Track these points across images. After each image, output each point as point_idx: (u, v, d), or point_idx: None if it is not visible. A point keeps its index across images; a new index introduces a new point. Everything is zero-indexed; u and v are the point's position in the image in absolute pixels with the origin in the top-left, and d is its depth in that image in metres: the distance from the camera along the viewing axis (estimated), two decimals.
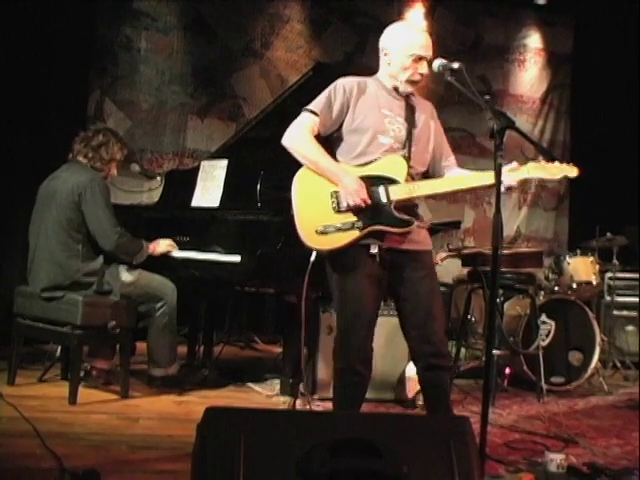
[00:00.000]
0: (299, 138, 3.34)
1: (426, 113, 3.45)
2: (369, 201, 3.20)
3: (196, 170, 5.09)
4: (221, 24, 7.37)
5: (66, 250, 4.37)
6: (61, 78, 6.18)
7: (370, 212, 3.21)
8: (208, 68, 7.36)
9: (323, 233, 3.22)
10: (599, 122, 8.01)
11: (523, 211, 8.49)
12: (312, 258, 3.27)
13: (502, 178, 3.09)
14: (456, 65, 3.16)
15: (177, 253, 4.74)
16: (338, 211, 3.24)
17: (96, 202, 4.39)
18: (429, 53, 3.31)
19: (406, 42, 3.32)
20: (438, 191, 3.33)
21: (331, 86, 3.37)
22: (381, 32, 3.43)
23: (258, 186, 4.59)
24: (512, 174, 3.19)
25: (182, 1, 7.27)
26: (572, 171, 3.23)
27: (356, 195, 3.18)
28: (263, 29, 7.55)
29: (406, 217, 3.23)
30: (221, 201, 4.79)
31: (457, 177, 3.40)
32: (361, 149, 3.31)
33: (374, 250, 3.22)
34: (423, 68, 3.29)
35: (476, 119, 7.77)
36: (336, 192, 3.25)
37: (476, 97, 3.07)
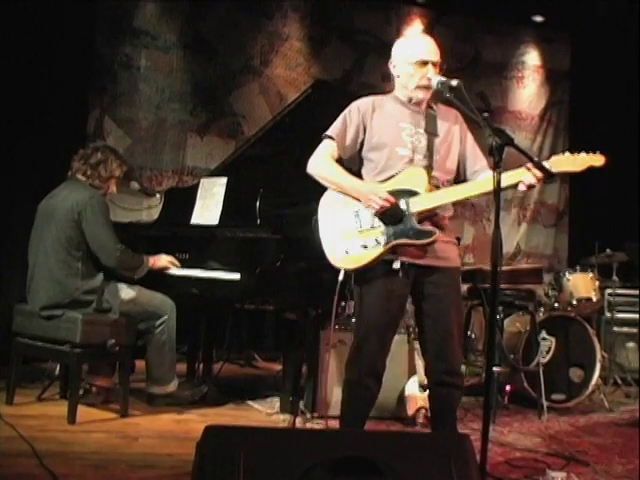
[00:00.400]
0: (319, 163, 3.41)
1: (449, 121, 3.44)
2: (392, 199, 3.21)
3: (195, 188, 5.10)
4: (220, 42, 7.40)
5: (65, 268, 4.37)
6: (61, 96, 6.20)
7: (392, 227, 3.23)
8: (207, 86, 7.39)
9: (348, 252, 3.28)
10: (597, 138, 8.01)
11: (522, 227, 8.50)
12: (340, 277, 3.32)
13: (522, 177, 3.12)
14: (455, 82, 3.18)
15: (176, 271, 4.74)
16: (361, 230, 3.28)
17: (97, 220, 4.39)
18: (432, 57, 3.32)
19: (408, 50, 3.37)
20: (459, 197, 3.28)
21: (347, 109, 3.43)
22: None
23: (257, 203, 4.60)
24: (536, 171, 3.11)
25: (181, 19, 7.31)
26: (598, 160, 3.10)
27: (376, 197, 3.22)
28: (262, 47, 7.59)
29: (428, 228, 3.23)
30: (220, 219, 4.79)
31: (476, 181, 3.34)
32: (382, 164, 3.34)
33: (397, 265, 3.23)
34: (430, 72, 3.29)
35: (475, 136, 7.77)
36: (357, 211, 3.30)
37: (475, 114, 3.08)
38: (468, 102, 3.14)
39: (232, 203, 4.79)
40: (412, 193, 3.25)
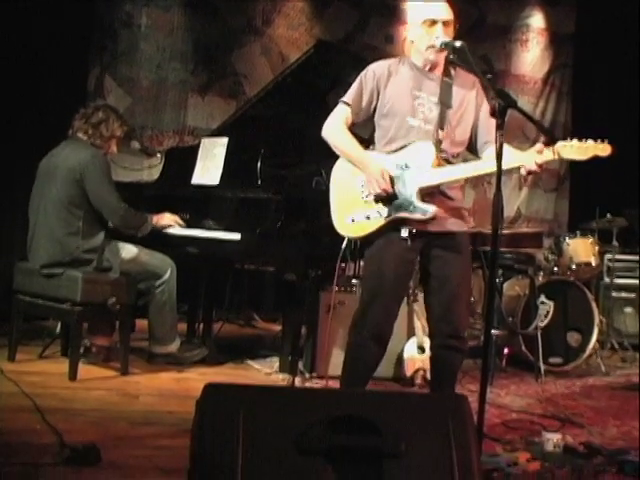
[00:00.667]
0: (331, 129, 3.42)
1: (466, 87, 3.36)
2: (390, 190, 3.23)
3: (196, 148, 5.08)
4: (222, 1, 7.32)
5: (66, 227, 4.37)
6: (61, 55, 6.14)
7: (395, 200, 3.25)
8: (209, 45, 7.32)
9: (353, 221, 3.33)
10: (600, 103, 7.99)
11: (523, 192, 8.48)
12: (344, 244, 3.42)
13: (524, 161, 3.07)
14: (458, 44, 3.15)
15: (177, 230, 4.74)
16: (366, 200, 3.31)
17: (100, 178, 4.40)
18: (442, 15, 3.27)
19: (417, 11, 3.36)
20: (463, 176, 3.26)
21: (363, 72, 3.40)
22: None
23: (258, 164, 4.58)
24: (538, 157, 3.04)
25: None
26: (604, 150, 3.02)
27: (376, 184, 3.23)
28: (264, 6, 7.50)
29: (427, 206, 3.22)
30: (221, 179, 4.77)
31: (482, 162, 3.29)
32: (392, 134, 3.33)
33: (404, 234, 3.24)
34: (439, 31, 3.23)
35: None
36: (364, 182, 3.32)
37: (479, 76, 3.06)
38: (472, 64, 3.12)
39: (233, 163, 4.77)
40: (418, 168, 3.24)
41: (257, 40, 7.48)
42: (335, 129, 3.40)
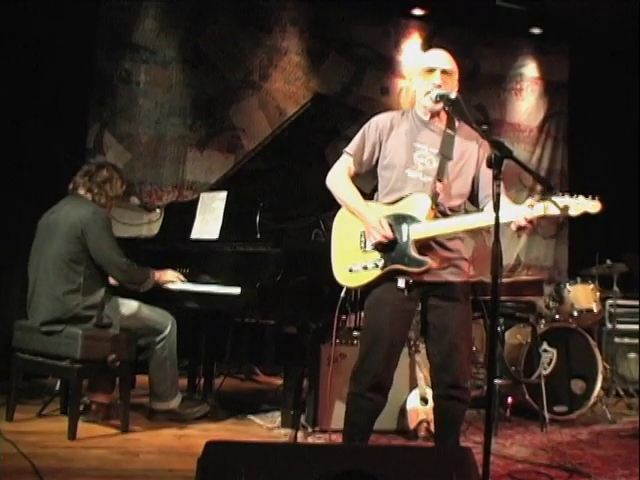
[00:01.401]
0: (334, 180, 3.48)
1: (469, 140, 3.39)
2: (390, 235, 3.24)
3: (195, 202, 5.10)
4: (219, 57, 7.42)
5: (66, 283, 4.36)
6: (61, 111, 6.21)
7: (391, 251, 3.26)
8: (207, 100, 7.39)
9: (351, 271, 3.36)
10: (597, 149, 8.04)
11: (522, 239, 8.48)
12: (342, 294, 3.47)
13: (514, 217, 3.09)
14: (453, 95, 3.20)
15: (177, 285, 4.74)
16: (365, 250, 3.34)
17: (102, 234, 4.41)
18: (439, 64, 3.34)
19: (417, 62, 3.48)
20: (458, 229, 3.29)
21: (366, 125, 3.46)
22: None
23: (257, 218, 4.60)
24: (527, 213, 3.05)
25: (181, 34, 7.32)
26: (594, 207, 2.96)
27: (375, 232, 3.25)
28: (261, 61, 7.60)
29: (422, 258, 3.23)
30: (220, 233, 4.79)
31: (477, 214, 3.32)
32: (391, 185, 3.37)
33: (401, 284, 3.26)
34: (436, 78, 3.30)
35: None
36: (364, 232, 3.35)
37: (474, 127, 3.08)
38: (467, 115, 3.15)
39: (232, 217, 4.80)
40: (413, 220, 3.26)
41: (254, 94, 7.56)
42: (337, 179, 3.46)
